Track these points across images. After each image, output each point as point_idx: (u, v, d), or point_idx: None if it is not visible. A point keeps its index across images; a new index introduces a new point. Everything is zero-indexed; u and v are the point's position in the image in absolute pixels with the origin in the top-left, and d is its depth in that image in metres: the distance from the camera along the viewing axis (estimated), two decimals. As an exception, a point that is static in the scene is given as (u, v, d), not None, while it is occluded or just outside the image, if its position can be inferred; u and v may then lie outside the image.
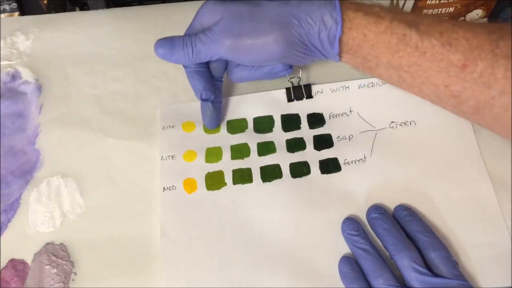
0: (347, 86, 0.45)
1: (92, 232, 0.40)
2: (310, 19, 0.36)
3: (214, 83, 0.42)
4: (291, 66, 0.41)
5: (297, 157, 0.42)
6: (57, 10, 0.54)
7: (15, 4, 0.54)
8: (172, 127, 0.44)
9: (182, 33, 0.50)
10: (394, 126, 0.43)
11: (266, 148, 0.43)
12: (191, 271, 0.38)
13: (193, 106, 0.45)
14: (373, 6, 0.37)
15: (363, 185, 0.41)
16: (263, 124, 0.44)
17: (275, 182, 0.41)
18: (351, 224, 0.38)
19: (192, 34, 0.39)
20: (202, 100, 0.41)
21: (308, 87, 0.45)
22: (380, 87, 0.45)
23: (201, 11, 0.39)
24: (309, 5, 0.37)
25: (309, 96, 0.45)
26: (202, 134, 0.44)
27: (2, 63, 0.49)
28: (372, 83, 0.45)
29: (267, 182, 0.41)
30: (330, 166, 0.42)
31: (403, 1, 0.45)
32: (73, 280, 0.38)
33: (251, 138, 0.43)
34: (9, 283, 0.38)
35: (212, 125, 0.44)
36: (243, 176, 0.41)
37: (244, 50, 0.37)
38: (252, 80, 0.42)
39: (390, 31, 0.35)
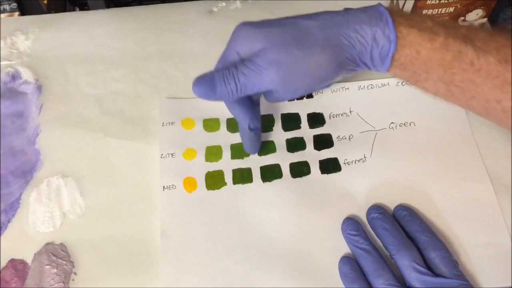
0: (347, 87, 0.46)
1: (92, 232, 0.40)
2: (361, 38, 0.34)
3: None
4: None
5: (297, 157, 0.42)
6: (57, 10, 0.54)
7: (15, 4, 0.54)
8: (172, 123, 0.44)
9: (181, 33, 0.50)
10: (394, 127, 0.43)
11: (266, 148, 0.43)
12: (191, 271, 0.38)
13: (193, 102, 0.45)
14: (425, 19, 0.35)
15: (363, 185, 0.41)
16: (263, 123, 0.44)
17: (275, 182, 0.41)
18: (351, 224, 0.38)
19: (231, 66, 0.35)
20: (250, 130, 0.39)
21: (308, 87, 0.45)
22: (380, 89, 0.45)
23: (236, 38, 0.35)
24: (358, 22, 0.34)
25: (310, 95, 0.45)
26: (202, 132, 0.44)
27: (2, 63, 0.49)
28: (371, 85, 0.45)
29: (267, 182, 0.41)
30: (330, 166, 0.42)
31: (403, 1, 0.45)
32: (73, 280, 0.38)
33: (251, 137, 0.43)
34: (9, 283, 0.38)
35: (255, 151, 0.42)
36: (243, 176, 0.41)
37: (294, 81, 0.35)
38: (291, 99, 0.40)
39: (445, 48, 0.34)
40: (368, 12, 0.35)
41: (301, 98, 0.45)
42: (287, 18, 0.36)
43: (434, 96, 0.38)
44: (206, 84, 0.35)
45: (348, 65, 0.35)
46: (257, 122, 0.39)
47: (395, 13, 0.35)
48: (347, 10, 0.36)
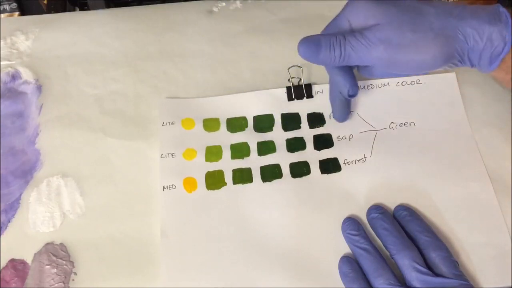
0: (347, 87, 0.46)
1: (92, 232, 0.40)
2: (477, 35, 0.34)
3: None
4: None
5: (297, 156, 0.42)
6: (57, 10, 0.54)
7: (15, 4, 0.54)
8: (172, 123, 0.44)
9: (181, 33, 0.50)
10: (394, 127, 0.43)
11: (266, 148, 0.43)
12: (191, 271, 0.38)
13: (193, 102, 0.45)
14: None
15: (363, 185, 0.41)
16: (263, 122, 0.44)
17: (275, 182, 0.41)
18: (351, 224, 0.38)
19: (339, 34, 0.35)
20: (349, 96, 0.39)
21: (308, 86, 0.45)
22: (380, 89, 0.45)
23: (352, 8, 0.36)
24: (476, 19, 0.34)
25: (310, 95, 0.45)
26: (202, 132, 0.44)
27: (2, 63, 0.49)
28: (371, 85, 0.45)
29: (267, 182, 0.41)
30: (330, 166, 0.42)
31: (403, 1, 0.45)
32: (73, 280, 0.38)
33: (251, 137, 0.43)
34: (9, 283, 0.38)
35: (345, 118, 0.43)
36: (243, 176, 0.41)
37: (399, 63, 0.35)
38: (382, 78, 0.41)
39: None
40: (488, 10, 0.35)
41: (301, 98, 0.45)
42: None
43: None
44: (312, 46, 0.36)
45: (454, 58, 0.35)
46: (357, 89, 0.39)
47: None
48: (464, 5, 0.35)
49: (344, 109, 0.42)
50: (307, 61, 0.37)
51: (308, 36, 0.36)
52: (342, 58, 0.35)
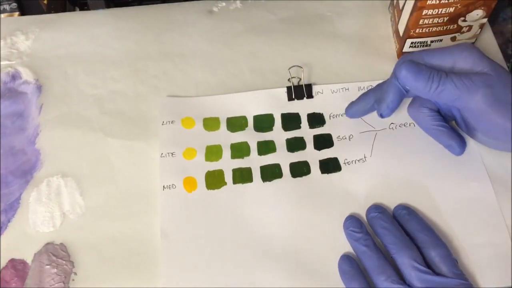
0: (347, 88, 0.46)
1: (92, 232, 0.40)
2: None
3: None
4: None
5: (297, 156, 0.42)
6: (57, 10, 0.54)
7: (15, 4, 0.54)
8: (172, 122, 0.44)
9: (181, 33, 0.50)
10: (394, 127, 0.43)
11: (266, 147, 0.43)
12: (191, 271, 0.38)
13: (193, 101, 0.45)
14: None
15: (363, 184, 0.41)
16: (263, 122, 0.44)
17: (275, 181, 0.41)
18: (354, 222, 0.38)
19: (441, 71, 0.36)
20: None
21: (308, 86, 0.45)
22: (380, 88, 0.45)
23: (463, 50, 0.37)
24: None
25: (310, 95, 0.45)
26: (202, 131, 0.44)
27: (2, 63, 0.49)
28: (371, 85, 0.45)
29: (267, 182, 0.41)
30: (330, 166, 0.42)
31: (403, 1, 0.45)
32: (73, 280, 0.38)
33: (251, 137, 0.43)
34: (9, 283, 0.38)
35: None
36: (243, 176, 0.41)
37: (496, 122, 0.35)
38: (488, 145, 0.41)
39: None
40: None
41: (301, 98, 0.45)
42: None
43: None
44: (412, 70, 0.36)
45: None
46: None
47: None
48: None
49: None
50: (403, 81, 0.37)
51: (413, 60, 0.37)
52: (437, 92, 0.36)
